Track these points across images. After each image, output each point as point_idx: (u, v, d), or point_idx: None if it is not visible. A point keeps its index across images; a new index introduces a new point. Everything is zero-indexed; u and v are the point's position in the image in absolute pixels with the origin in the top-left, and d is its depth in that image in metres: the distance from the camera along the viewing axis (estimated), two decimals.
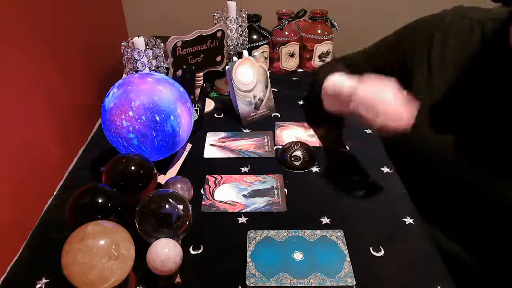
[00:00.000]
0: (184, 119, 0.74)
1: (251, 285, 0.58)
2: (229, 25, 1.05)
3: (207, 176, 0.82)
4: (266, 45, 1.22)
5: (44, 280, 0.61)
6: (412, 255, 0.66)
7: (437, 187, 0.78)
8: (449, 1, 0.84)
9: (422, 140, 0.77)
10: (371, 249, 0.66)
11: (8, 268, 0.64)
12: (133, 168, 0.66)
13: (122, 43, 0.88)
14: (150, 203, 0.59)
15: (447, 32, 0.76)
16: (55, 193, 0.80)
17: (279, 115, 1.04)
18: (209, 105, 1.07)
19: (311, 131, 0.96)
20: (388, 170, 0.84)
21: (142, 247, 0.57)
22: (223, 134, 0.96)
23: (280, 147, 0.90)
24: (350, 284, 0.58)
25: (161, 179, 0.76)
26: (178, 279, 0.60)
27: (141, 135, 0.69)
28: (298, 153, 0.85)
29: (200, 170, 0.84)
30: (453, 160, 0.74)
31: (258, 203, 0.76)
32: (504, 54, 0.67)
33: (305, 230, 0.67)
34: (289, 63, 1.26)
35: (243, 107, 0.99)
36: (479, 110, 0.72)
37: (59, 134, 0.95)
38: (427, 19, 0.82)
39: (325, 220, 0.72)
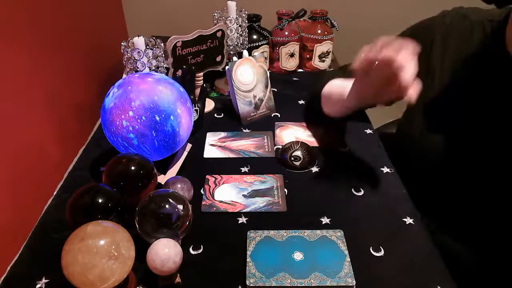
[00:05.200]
0: (184, 119, 0.74)
1: (251, 285, 0.58)
2: (229, 25, 1.05)
3: (207, 176, 0.82)
4: (266, 45, 1.22)
5: (44, 280, 0.61)
6: (412, 255, 0.66)
7: (437, 187, 0.78)
8: (449, 1, 0.84)
9: (421, 140, 0.77)
10: (371, 249, 0.66)
11: (8, 268, 0.64)
12: (133, 168, 0.66)
13: (122, 43, 0.88)
14: (150, 203, 0.59)
15: (447, 34, 0.76)
16: (55, 193, 0.80)
17: (279, 115, 1.04)
18: (209, 105, 1.07)
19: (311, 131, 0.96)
20: (388, 170, 0.84)
21: (142, 247, 0.57)
22: (223, 134, 0.96)
23: (280, 147, 0.90)
24: (350, 284, 0.58)
25: (161, 179, 0.76)
26: (178, 279, 0.60)
27: (141, 135, 0.69)
28: (298, 153, 0.85)
29: (200, 170, 0.84)
30: (452, 160, 0.74)
31: (258, 203, 0.76)
32: (501, 56, 0.67)
33: (305, 230, 0.67)
34: (289, 63, 1.26)
35: (243, 107, 0.99)
36: (478, 112, 0.72)
37: (59, 134, 0.95)
38: (426, 22, 0.81)
39: (325, 220, 0.72)
